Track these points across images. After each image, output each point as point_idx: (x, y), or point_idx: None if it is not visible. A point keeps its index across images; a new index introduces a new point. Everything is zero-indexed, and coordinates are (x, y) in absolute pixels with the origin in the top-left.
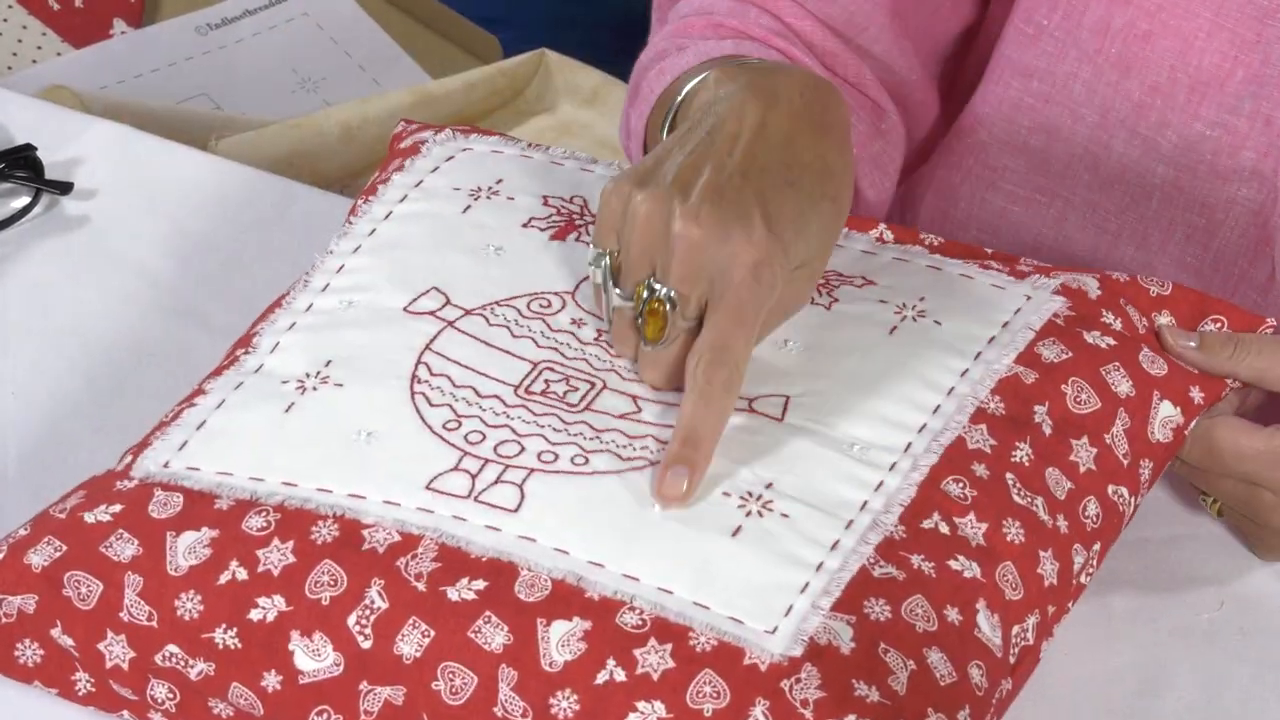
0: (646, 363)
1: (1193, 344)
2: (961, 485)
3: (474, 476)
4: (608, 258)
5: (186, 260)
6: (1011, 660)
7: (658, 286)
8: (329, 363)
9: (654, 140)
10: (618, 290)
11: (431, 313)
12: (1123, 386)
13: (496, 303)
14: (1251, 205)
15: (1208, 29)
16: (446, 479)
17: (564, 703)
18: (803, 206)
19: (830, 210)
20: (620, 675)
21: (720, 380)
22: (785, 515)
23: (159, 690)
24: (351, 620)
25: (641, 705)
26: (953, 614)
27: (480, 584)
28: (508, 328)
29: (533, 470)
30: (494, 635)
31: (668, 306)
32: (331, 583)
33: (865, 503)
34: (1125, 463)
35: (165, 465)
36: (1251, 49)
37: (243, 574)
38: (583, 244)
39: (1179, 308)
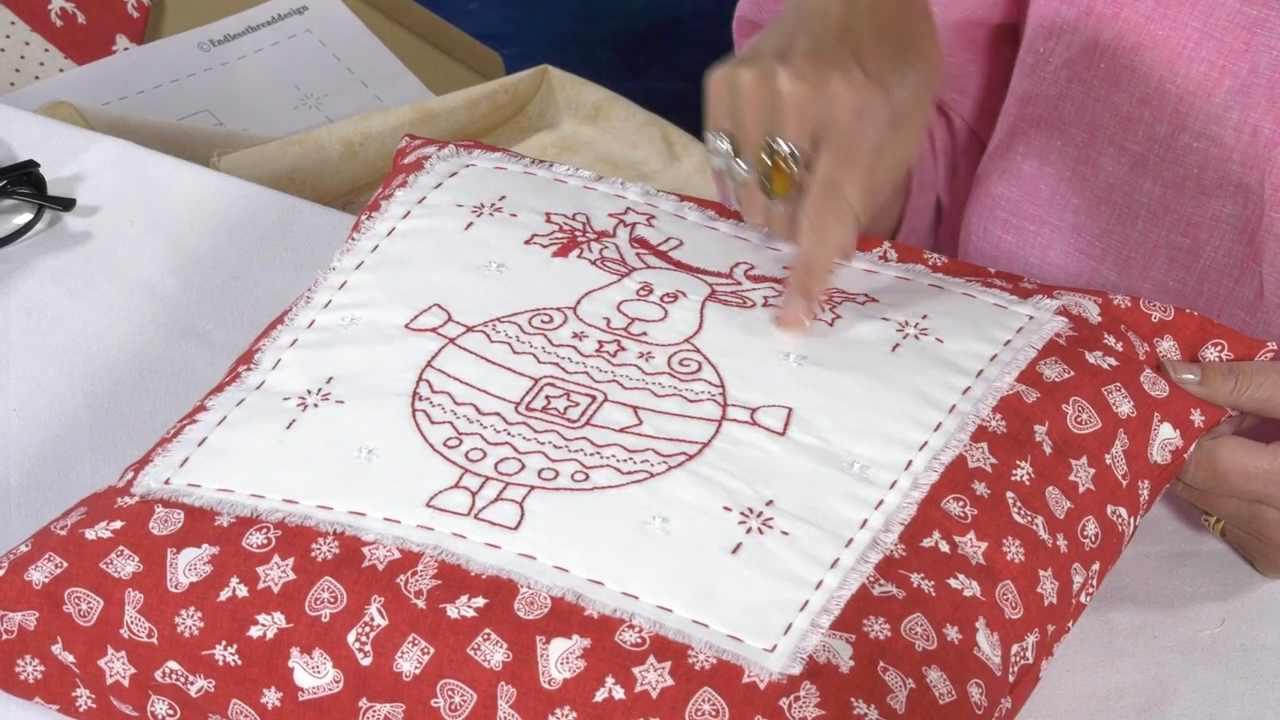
0: (779, 223)
1: (1193, 377)
2: (962, 504)
3: (474, 494)
4: (726, 139)
5: (188, 277)
6: (1011, 679)
7: (777, 145)
8: (330, 380)
9: None
10: (740, 164)
11: (433, 329)
12: (1124, 407)
13: (498, 319)
14: (1235, 222)
15: (1196, 38)
16: (447, 496)
17: None
18: (896, 59)
19: (923, 66)
20: (619, 693)
21: (831, 213)
22: (785, 533)
23: (159, 706)
24: (351, 637)
25: None
26: (952, 633)
27: (480, 601)
28: (509, 344)
29: (533, 488)
30: (493, 653)
31: (791, 164)
32: (331, 600)
33: (865, 521)
34: (1124, 483)
35: (166, 482)
36: (1239, 57)
37: (243, 591)
38: (584, 260)
39: (1180, 333)
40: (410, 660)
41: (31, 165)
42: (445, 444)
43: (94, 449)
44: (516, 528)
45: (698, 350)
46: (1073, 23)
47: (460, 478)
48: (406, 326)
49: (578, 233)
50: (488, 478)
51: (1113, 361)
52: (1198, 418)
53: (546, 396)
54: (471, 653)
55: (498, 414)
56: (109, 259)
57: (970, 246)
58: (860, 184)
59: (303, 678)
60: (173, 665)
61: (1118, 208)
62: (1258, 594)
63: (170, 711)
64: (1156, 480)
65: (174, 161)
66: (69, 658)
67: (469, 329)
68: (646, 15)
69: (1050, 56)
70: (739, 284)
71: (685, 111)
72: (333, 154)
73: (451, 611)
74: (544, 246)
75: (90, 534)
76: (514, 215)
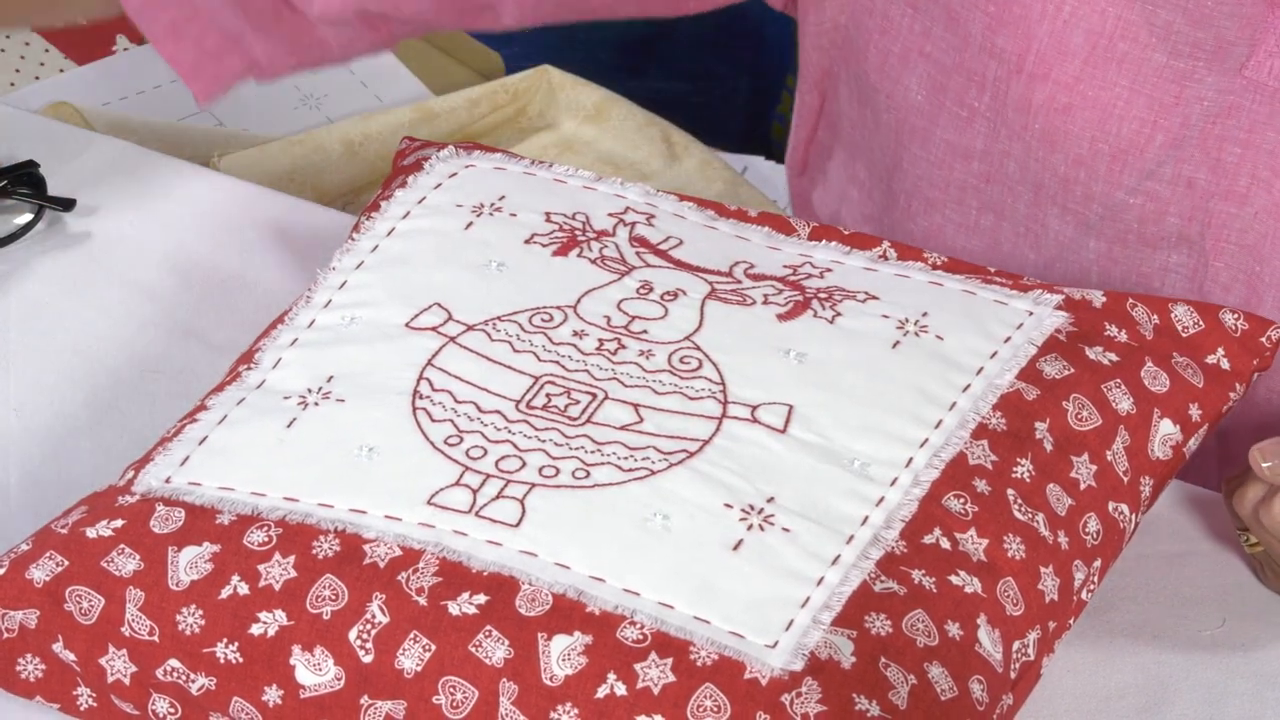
0: None
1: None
2: (963, 501)
3: (475, 491)
4: None
5: (188, 277)
6: (1012, 675)
7: None
8: (331, 378)
9: None
10: None
11: (433, 328)
12: (1123, 404)
13: (498, 318)
14: (1185, 272)
15: (1126, 96)
16: (448, 494)
17: (565, 717)
18: None
19: None
20: (621, 689)
21: None
22: (786, 530)
23: (160, 704)
24: (353, 634)
25: (642, 719)
26: (953, 629)
27: (481, 598)
28: (509, 343)
29: (534, 485)
30: (495, 649)
31: None
32: (333, 597)
33: (866, 518)
34: (1125, 480)
35: (167, 480)
36: (1170, 111)
37: (244, 589)
38: (584, 259)
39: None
40: (412, 657)
41: (31, 165)
42: (446, 442)
43: (94, 448)
44: (518, 525)
45: (698, 348)
46: (1004, 79)
47: (461, 475)
48: (407, 325)
49: (577, 232)
50: (489, 475)
51: (1113, 357)
52: (1195, 412)
53: (547, 394)
54: (473, 650)
55: (498, 412)
56: (109, 259)
57: None
58: None
59: (304, 675)
60: (174, 663)
61: (1069, 265)
62: (1258, 594)
63: (171, 710)
64: (1158, 476)
65: (174, 161)
66: (70, 656)
67: (469, 328)
68: None
69: (984, 111)
70: (739, 282)
71: (685, 111)
72: (333, 154)
73: (453, 608)
74: (544, 246)
75: (91, 532)
76: (514, 215)
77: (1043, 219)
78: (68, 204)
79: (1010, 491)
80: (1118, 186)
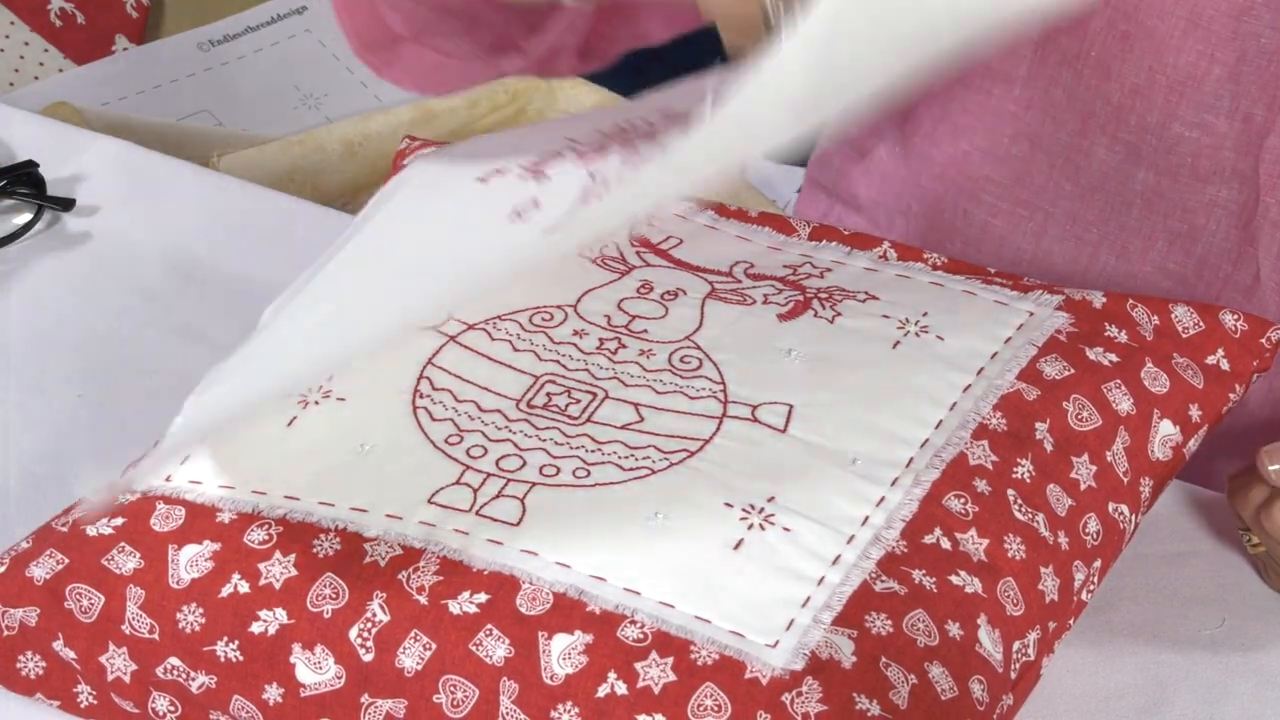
0: None
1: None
2: (963, 501)
3: (476, 490)
4: None
5: (188, 277)
6: (1013, 676)
7: None
8: (331, 377)
9: None
10: None
11: (434, 327)
12: (1123, 405)
13: (498, 317)
14: (1232, 207)
15: (1183, 27)
16: (448, 493)
17: (565, 716)
18: None
19: None
20: (621, 688)
21: None
22: (787, 529)
23: (160, 703)
24: (353, 633)
25: (643, 718)
26: (954, 629)
27: (482, 597)
28: (510, 342)
29: (534, 484)
30: (495, 648)
31: None
32: (333, 595)
33: (867, 518)
34: (1125, 480)
35: (168, 479)
36: (1228, 45)
37: (244, 587)
38: (584, 258)
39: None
40: (412, 656)
41: (31, 165)
42: (447, 441)
43: (94, 449)
44: (518, 524)
45: (698, 347)
46: None
47: (462, 474)
48: None
49: None
50: (489, 474)
51: (1113, 357)
52: (1195, 413)
53: (548, 394)
54: (474, 648)
55: (499, 411)
56: (109, 259)
57: (943, 225)
58: None
59: (304, 674)
60: (174, 661)
61: (1111, 196)
62: (1258, 594)
63: (171, 708)
64: (1158, 477)
65: (174, 161)
66: (70, 654)
67: (469, 326)
68: None
69: (1033, 35)
70: (739, 282)
71: None
72: (333, 154)
73: (453, 607)
74: None
75: (91, 530)
76: None
77: (1088, 148)
78: (68, 204)
79: (1010, 492)
80: (1174, 118)
